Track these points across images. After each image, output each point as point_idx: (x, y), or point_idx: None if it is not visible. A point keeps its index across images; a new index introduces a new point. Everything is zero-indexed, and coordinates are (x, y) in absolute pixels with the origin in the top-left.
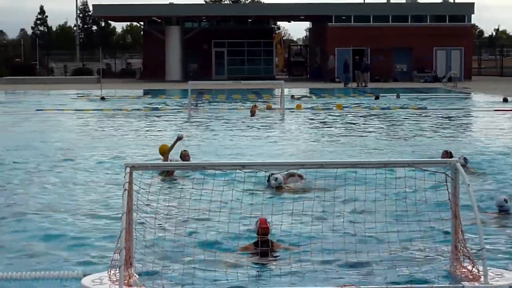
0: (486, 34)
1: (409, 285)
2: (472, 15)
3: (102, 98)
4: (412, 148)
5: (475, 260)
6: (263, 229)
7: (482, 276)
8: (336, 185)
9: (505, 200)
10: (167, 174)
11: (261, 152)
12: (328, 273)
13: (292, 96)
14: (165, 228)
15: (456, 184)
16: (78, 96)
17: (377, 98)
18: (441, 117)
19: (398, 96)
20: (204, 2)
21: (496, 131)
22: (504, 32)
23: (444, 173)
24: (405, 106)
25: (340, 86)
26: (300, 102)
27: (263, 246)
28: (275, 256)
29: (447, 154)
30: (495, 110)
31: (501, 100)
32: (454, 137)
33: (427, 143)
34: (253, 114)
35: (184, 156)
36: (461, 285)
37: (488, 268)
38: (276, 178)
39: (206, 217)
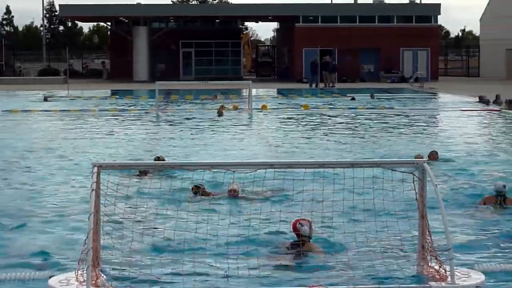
0: (452, 35)
1: (376, 285)
2: (439, 16)
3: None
4: (379, 148)
5: (442, 260)
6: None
7: (449, 276)
8: (304, 185)
9: (504, 186)
10: (142, 174)
11: (229, 152)
12: (296, 273)
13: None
14: (133, 228)
15: (423, 185)
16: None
17: (353, 99)
18: (408, 117)
19: (372, 97)
20: (171, 3)
21: (463, 130)
22: (470, 32)
23: (411, 173)
24: (373, 106)
25: (307, 87)
26: (265, 103)
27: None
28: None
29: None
30: (461, 110)
31: (476, 99)
32: (422, 136)
33: (394, 143)
34: (220, 114)
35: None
36: (428, 285)
37: (455, 268)
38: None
39: (173, 216)
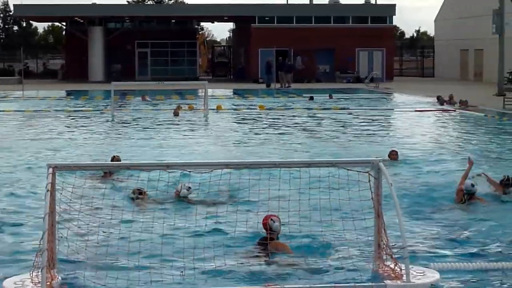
0: (407, 35)
1: (332, 284)
2: (394, 17)
3: None
4: (337, 148)
5: (397, 259)
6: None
7: (404, 275)
8: (260, 185)
9: (472, 185)
10: (107, 175)
11: (185, 152)
12: (252, 272)
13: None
14: (89, 229)
15: (379, 184)
16: None
17: (311, 98)
18: (364, 117)
19: (330, 97)
20: (127, 3)
21: (419, 129)
22: (424, 33)
23: (367, 172)
24: (330, 106)
25: (263, 87)
26: (220, 103)
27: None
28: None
29: (395, 154)
30: (416, 110)
31: (431, 99)
32: (379, 136)
33: (351, 143)
34: (176, 114)
35: (116, 161)
36: (383, 283)
37: (411, 266)
38: (189, 188)
39: (129, 218)
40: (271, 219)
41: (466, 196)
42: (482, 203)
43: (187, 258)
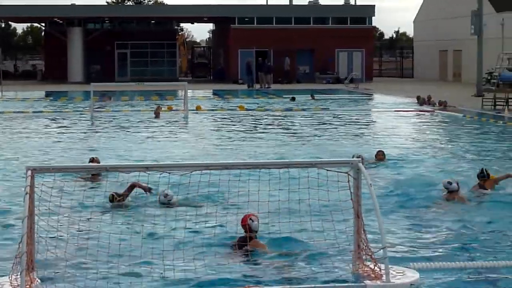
0: (386, 36)
1: (312, 285)
2: (373, 18)
3: None
4: (317, 149)
5: (377, 259)
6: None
7: (384, 275)
8: (240, 186)
9: (449, 182)
10: (94, 177)
11: (165, 153)
12: (232, 273)
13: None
14: (68, 231)
15: (358, 184)
16: None
17: (293, 99)
18: (345, 117)
19: (313, 97)
20: (106, 4)
21: (399, 130)
22: (404, 34)
23: (346, 173)
24: (308, 107)
25: (243, 88)
26: (200, 104)
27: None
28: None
29: (382, 155)
30: (396, 111)
31: (410, 100)
32: (358, 137)
33: (330, 143)
34: (157, 115)
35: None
36: (363, 284)
37: (390, 266)
38: (167, 195)
39: (109, 220)
40: (250, 219)
41: (446, 194)
42: (463, 202)
43: (167, 259)
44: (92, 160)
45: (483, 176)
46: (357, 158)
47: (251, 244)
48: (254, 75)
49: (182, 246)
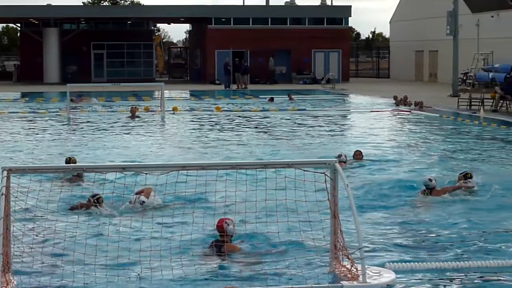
0: (363, 37)
1: (289, 285)
2: (349, 18)
3: None
4: (295, 149)
5: (354, 259)
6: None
7: (360, 275)
8: (217, 187)
9: (430, 180)
10: (76, 177)
11: (141, 154)
12: (209, 274)
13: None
14: (45, 232)
15: (335, 184)
16: None
17: (271, 100)
18: (320, 118)
19: (290, 97)
20: (82, 4)
21: (376, 130)
22: (380, 34)
23: (323, 173)
24: (286, 108)
25: (220, 88)
26: (176, 104)
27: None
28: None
29: (360, 154)
30: (371, 111)
31: (387, 100)
32: (335, 137)
33: (307, 144)
34: (133, 116)
35: (72, 163)
36: (340, 284)
37: (367, 266)
38: (143, 202)
39: (87, 221)
40: (226, 222)
41: (427, 191)
42: (440, 196)
43: (144, 260)
44: (68, 160)
45: (465, 177)
46: (340, 157)
47: (226, 246)
48: (230, 75)
49: (159, 247)
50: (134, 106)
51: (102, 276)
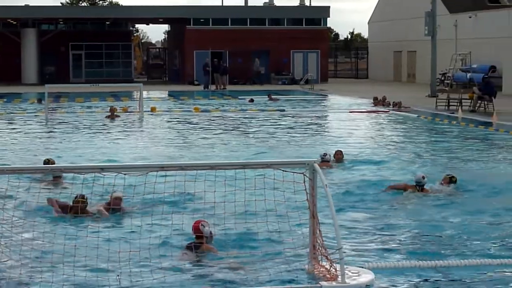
0: (341, 37)
1: (268, 286)
2: (328, 19)
3: None
4: (271, 150)
5: (332, 260)
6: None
7: (339, 276)
8: (196, 187)
9: (423, 177)
10: (56, 179)
11: (120, 155)
12: (188, 275)
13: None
14: (23, 233)
15: (314, 185)
16: None
17: (251, 101)
18: (299, 118)
19: (269, 97)
20: (60, 4)
21: (355, 130)
22: (358, 35)
23: (302, 173)
24: (264, 108)
25: (199, 89)
26: (154, 105)
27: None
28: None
29: (340, 154)
30: (350, 112)
31: (366, 100)
32: (312, 138)
33: (286, 144)
34: (112, 117)
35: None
36: (319, 285)
37: (346, 267)
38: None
39: (65, 223)
40: (202, 224)
41: (418, 188)
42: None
43: (123, 261)
44: (47, 162)
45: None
46: (325, 155)
47: (202, 248)
48: (209, 76)
49: (137, 248)
50: (113, 106)
51: (80, 278)
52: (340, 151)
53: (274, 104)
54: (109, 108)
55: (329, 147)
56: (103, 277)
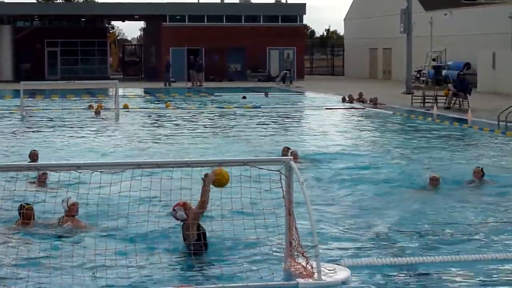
0: (317, 35)
1: (244, 284)
2: (304, 16)
3: None
4: (248, 147)
5: (309, 257)
6: None
7: (315, 273)
8: (172, 185)
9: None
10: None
11: (96, 152)
12: (164, 273)
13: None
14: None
15: (290, 182)
16: None
17: (244, 97)
18: (275, 115)
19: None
20: (36, 1)
21: (333, 127)
22: (334, 32)
23: (278, 171)
24: (240, 105)
25: (176, 86)
26: (128, 102)
27: None
28: None
29: (287, 151)
30: (326, 109)
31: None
32: (289, 134)
33: (263, 141)
34: (97, 113)
35: (33, 155)
36: (295, 282)
37: (322, 264)
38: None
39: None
40: (173, 209)
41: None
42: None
43: (99, 259)
44: (33, 153)
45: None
46: (288, 149)
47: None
48: (170, 73)
49: (113, 245)
50: (89, 104)
51: (56, 275)
52: (287, 147)
53: (246, 101)
54: (97, 104)
55: (303, 143)
56: (79, 272)
